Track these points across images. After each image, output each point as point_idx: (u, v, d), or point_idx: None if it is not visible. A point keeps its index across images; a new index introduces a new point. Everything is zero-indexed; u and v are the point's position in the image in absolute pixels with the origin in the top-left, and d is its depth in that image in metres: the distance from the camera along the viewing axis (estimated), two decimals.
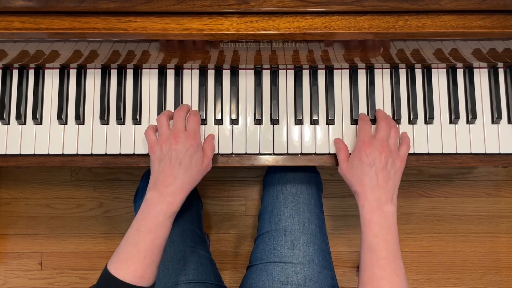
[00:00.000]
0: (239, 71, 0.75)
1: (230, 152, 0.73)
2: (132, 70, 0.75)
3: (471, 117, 0.73)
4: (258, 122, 0.74)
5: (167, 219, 0.62)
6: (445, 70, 0.75)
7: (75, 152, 0.73)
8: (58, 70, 0.74)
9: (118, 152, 0.73)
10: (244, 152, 0.73)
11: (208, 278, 0.78)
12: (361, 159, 0.65)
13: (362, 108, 0.74)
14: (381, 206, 0.62)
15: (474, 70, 0.74)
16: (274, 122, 0.74)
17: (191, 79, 0.75)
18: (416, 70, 0.75)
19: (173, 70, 0.75)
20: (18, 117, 0.73)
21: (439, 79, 0.75)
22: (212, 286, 0.77)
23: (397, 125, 0.73)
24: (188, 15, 0.60)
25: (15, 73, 0.74)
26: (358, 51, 0.67)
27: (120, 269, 0.58)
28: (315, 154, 0.73)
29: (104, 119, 0.73)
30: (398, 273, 0.60)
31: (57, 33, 0.60)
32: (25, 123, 0.74)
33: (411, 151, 0.72)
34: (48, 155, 0.73)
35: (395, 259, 0.60)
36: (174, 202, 0.62)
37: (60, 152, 0.73)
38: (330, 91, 0.74)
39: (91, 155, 0.73)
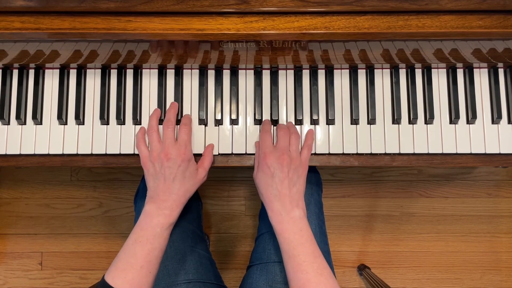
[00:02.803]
0: (239, 71, 0.75)
1: (230, 152, 0.73)
2: (132, 70, 0.75)
3: (471, 117, 0.73)
4: (258, 122, 0.74)
5: (165, 231, 0.64)
6: (445, 70, 0.75)
7: (75, 152, 0.73)
8: (58, 70, 0.74)
9: (118, 152, 0.73)
10: (244, 152, 0.73)
11: (208, 278, 0.77)
12: (264, 171, 0.66)
13: (362, 108, 0.74)
14: (288, 213, 0.64)
15: (474, 70, 0.74)
16: (274, 122, 0.74)
17: (191, 79, 0.75)
18: (416, 70, 0.75)
19: (173, 70, 0.75)
20: (18, 117, 0.73)
21: (439, 79, 0.74)
22: (212, 286, 0.77)
23: (398, 125, 0.73)
24: (188, 15, 0.60)
25: (15, 73, 0.74)
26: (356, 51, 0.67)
27: (117, 278, 0.59)
28: (315, 154, 0.73)
29: (104, 119, 0.73)
30: (321, 272, 0.60)
31: (57, 33, 0.60)
32: (25, 123, 0.74)
33: (410, 151, 0.72)
34: (48, 155, 0.73)
35: (315, 259, 0.61)
36: (171, 214, 0.65)
37: (60, 152, 0.73)
38: (330, 91, 0.74)
39: (91, 155, 0.73)
